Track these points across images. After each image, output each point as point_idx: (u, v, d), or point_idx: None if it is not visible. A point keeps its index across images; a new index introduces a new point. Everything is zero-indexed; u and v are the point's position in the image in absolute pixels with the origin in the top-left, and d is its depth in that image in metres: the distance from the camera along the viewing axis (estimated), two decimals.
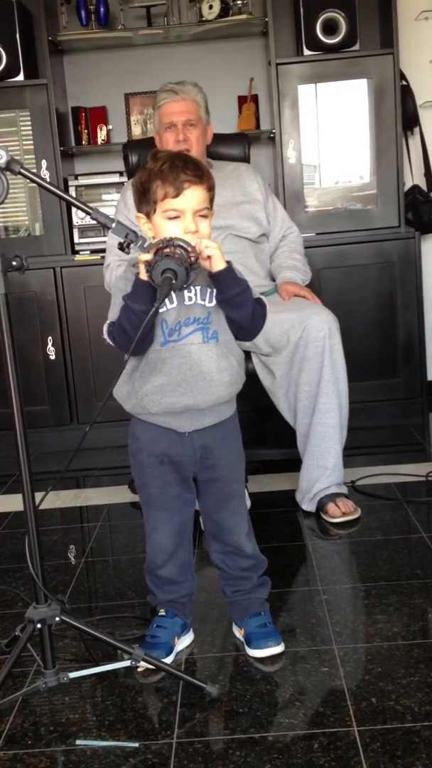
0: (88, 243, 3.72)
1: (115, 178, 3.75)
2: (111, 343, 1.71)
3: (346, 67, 3.58)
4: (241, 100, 3.91)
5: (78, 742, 1.55)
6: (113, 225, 1.62)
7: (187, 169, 1.62)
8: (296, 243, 2.93)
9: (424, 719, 1.52)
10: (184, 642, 1.87)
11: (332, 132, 3.66)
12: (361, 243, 3.59)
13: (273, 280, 2.86)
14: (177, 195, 1.61)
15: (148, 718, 1.61)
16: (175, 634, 1.83)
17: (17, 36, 3.53)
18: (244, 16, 3.71)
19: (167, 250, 1.54)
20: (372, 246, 3.59)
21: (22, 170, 1.55)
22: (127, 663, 1.66)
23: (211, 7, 3.68)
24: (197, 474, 1.80)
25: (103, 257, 3.57)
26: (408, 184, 3.75)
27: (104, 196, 3.79)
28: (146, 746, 1.52)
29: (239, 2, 3.71)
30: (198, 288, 1.68)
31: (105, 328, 1.71)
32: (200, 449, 1.76)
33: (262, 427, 3.11)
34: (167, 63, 3.92)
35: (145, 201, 1.65)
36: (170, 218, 1.62)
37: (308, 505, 2.62)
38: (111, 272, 2.76)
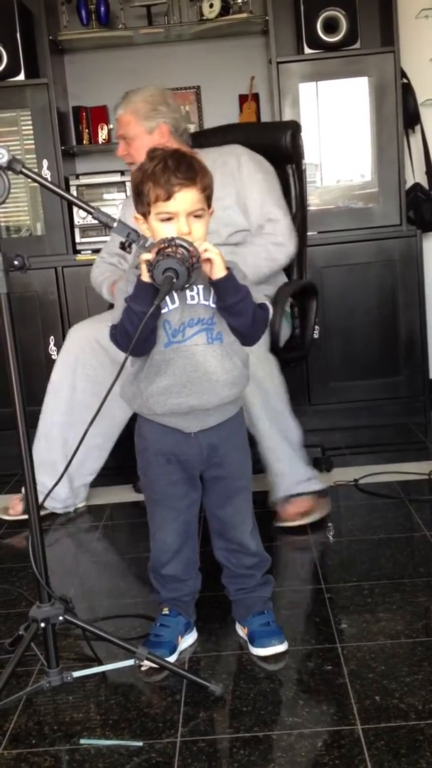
0: (89, 243, 3.72)
1: (117, 178, 3.76)
2: (115, 345, 1.71)
3: (346, 66, 3.58)
4: (242, 98, 3.91)
5: (82, 741, 1.55)
6: (114, 224, 1.62)
7: (178, 171, 1.59)
8: (271, 244, 2.66)
9: (428, 717, 1.52)
10: (187, 641, 1.86)
11: (333, 130, 3.67)
12: (363, 241, 3.59)
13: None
14: (168, 198, 1.60)
15: (152, 717, 1.61)
16: (179, 633, 1.83)
17: (18, 35, 3.54)
18: (244, 15, 3.71)
19: (168, 249, 1.54)
20: (373, 244, 3.59)
21: (23, 170, 1.55)
22: (130, 662, 1.67)
23: (211, 5, 3.68)
24: (203, 472, 1.80)
25: None
26: (409, 182, 3.75)
27: (105, 196, 3.80)
28: (150, 745, 1.52)
29: (239, 1, 3.72)
30: (200, 287, 1.68)
31: (108, 330, 1.71)
32: (206, 448, 1.76)
33: None
34: (168, 62, 3.92)
35: (140, 202, 1.65)
36: (163, 220, 1.62)
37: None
38: (96, 266, 2.85)
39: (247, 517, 1.85)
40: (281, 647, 1.79)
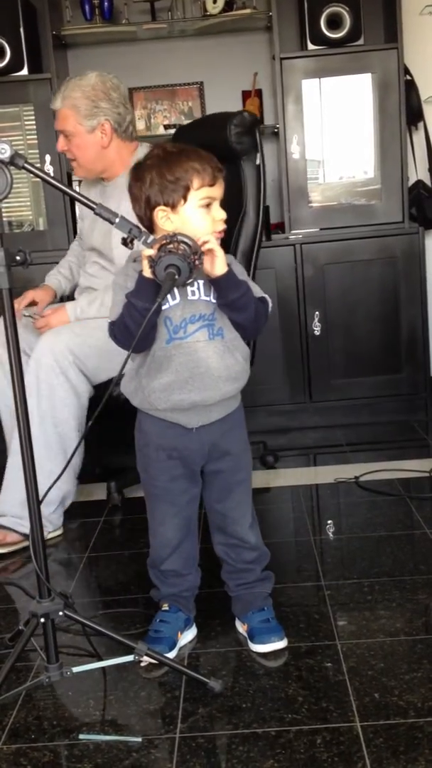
0: None
1: None
2: (114, 342, 1.71)
3: (350, 62, 3.57)
4: (245, 94, 3.90)
5: (81, 736, 1.55)
6: (117, 220, 1.61)
7: (212, 160, 1.66)
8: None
9: (427, 715, 1.52)
10: (187, 637, 1.87)
11: (336, 127, 3.66)
12: (365, 238, 3.59)
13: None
14: (213, 183, 1.63)
15: (151, 713, 1.61)
16: (179, 629, 1.83)
17: (21, 30, 3.52)
18: (248, 11, 3.70)
19: (171, 245, 1.54)
20: (376, 241, 3.58)
21: (26, 165, 1.55)
22: (130, 658, 1.67)
23: (215, 1, 3.67)
24: (204, 466, 1.81)
25: None
26: (412, 179, 3.75)
27: None
28: (149, 741, 1.52)
29: None
30: (201, 282, 1.68)
31: (107, 326, 1.71)
32: (208, 443, 1.77)
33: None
34: (171, 57, 3.91)
35: (172, 190, 1.62)
36: (203, 206, 1.63)
37: None
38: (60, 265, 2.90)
39: (246, 511, 1.85)
40: (281, 644, 1.80)
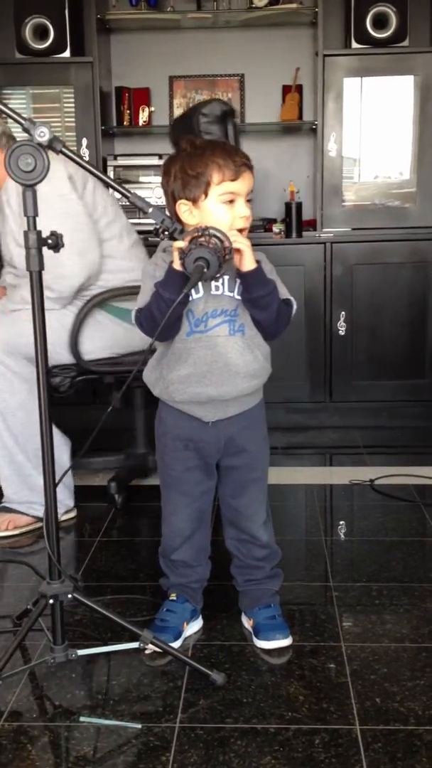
0: None
1: (155, 161, 3.74)
2: (138, 328, 1.72)
3: (393, 63, 3.55)
4: (286, 89, 3.88)
5: (82, 718, 1.57)
6: (150, 210, 1.62)
7: (237, 155, 1.65)
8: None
9: (427, 723, 1.52)
10: (192, 628, 1.88)
11: (375, 127, 3.64)
12: (397, 241, 3.56)
13: None
14: (235, 178, 1.63)
15: (153, 700, 1.62)
16: (185, 620, 1.84)
17: (66, 12, 3.53)
18: (294, 5, 3.68)
19: (202, 239, 1.54)
20: (407, 245, 3.56)
21: (63, 149, 1.55)
22: (135, 645, 1.68)
23: None
24: (220, 460, 1.81)
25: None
26: None
27: (142, 178, 3.79)
28: (149, 728, 1.53)
29: None
30: (226, 278, 1.68)
31: (133, 313, 1.72)
32: (224, 437, 1.77)
33: None
34: (214, 48, 3.91)
35: (194, 185, 1.63)
36: (225, 202, 1.63)
37: None
38: None
39: (260, 509, 1.86)
40: (285, 641, 1.80)
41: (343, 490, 2.85)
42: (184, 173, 1.64)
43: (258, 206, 3.76)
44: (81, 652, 1.66)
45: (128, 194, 1.63)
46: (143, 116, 3.91)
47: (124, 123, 3.92)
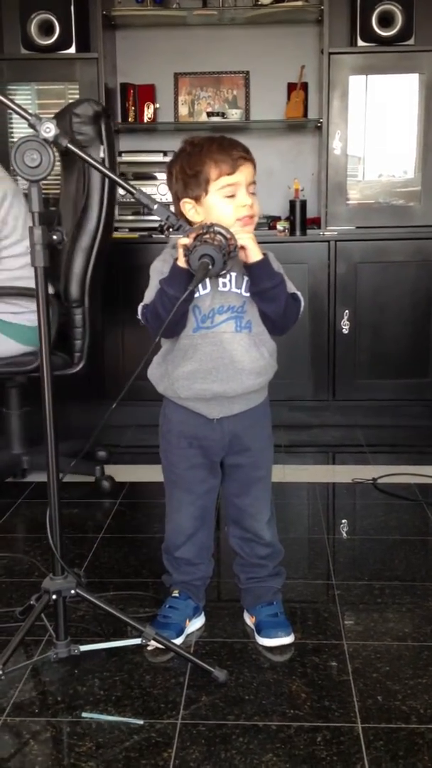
0: (127, 221, 3.71)
1: (159, 158, 3.74)
2: (145, 324, 1.72)
3: (399, 61, 3.54)
4: (291, 87, 3.88)
5: (84, 714, 1.57)
6: (155, 207, 1.62)
7: (234, 148, 1.65)
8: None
9: (428, 722, 1.52)
10: (195, 624, 1.88)
11: (380, 125, 3.63)
12: (401, 240, 3.56)
13: None
14: (233, 171, 1.63)
15: (155, 697, 1.62)
16: (187, 616, 1.84)
17: (71, 8, 3.54)
18: (299, 3, 3.67)
19: (207, 236, 1.54)
20: (412, 243, 3.55)
21: (69, 145, 1.55)
22: (137, 641, 1.68)
23: None
24: (224, 458, 1.81)
25: (141, 236, 3.59)
26: None
27: (157, 174, 3.78)
28: (151, 725, 1.53)
29: None
30: (233, 275, 1.68)
31: (139, 309, 1.72)
32: (229, 435, 1.77)
33: None
34: (219, 45, 3.90)
35: (194, 184, 1.65)
36: (227, 196, 1.64)
37: None
38: None
39: (264, 507, 1.86)
40: (287, 639, 1.80)
41: (345, 488, 2.85)
42: (184, 173, 1.66)
43: (262, 204, 3.73)
44: (83, 647, 1.66)
45: (134, 191, 1.64)
46: (148, 113, 3.90)
47: (129, 119, 3.92)
